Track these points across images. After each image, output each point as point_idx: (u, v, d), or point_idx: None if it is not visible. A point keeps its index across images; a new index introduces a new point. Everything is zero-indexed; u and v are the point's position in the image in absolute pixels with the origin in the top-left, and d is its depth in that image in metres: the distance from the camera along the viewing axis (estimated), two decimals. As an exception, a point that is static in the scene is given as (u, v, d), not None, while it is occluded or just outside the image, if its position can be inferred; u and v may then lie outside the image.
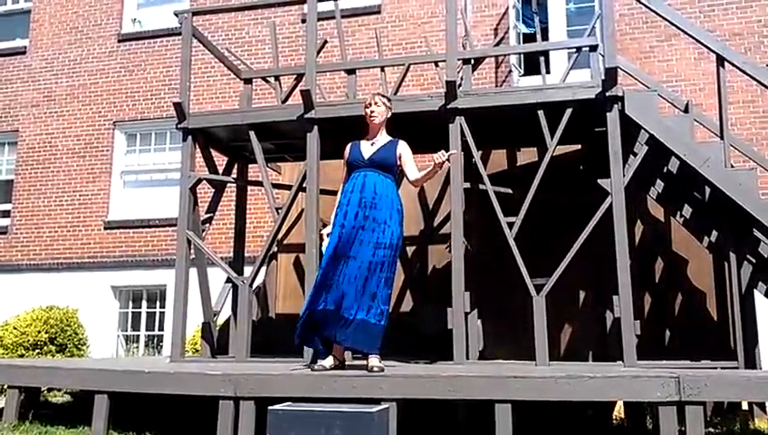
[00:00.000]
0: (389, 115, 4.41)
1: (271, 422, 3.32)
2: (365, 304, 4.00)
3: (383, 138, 4.36)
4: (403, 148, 4.33)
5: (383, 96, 4.42)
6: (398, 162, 4.28)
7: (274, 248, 6.44)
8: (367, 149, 4.31)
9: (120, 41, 10.63)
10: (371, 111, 4.32)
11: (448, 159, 4.11)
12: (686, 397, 3.38)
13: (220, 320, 6.06)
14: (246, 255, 6.20)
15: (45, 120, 10.66)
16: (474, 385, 3.61)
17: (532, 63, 8.09)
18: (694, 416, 3.39)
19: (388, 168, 4.24)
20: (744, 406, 4.56)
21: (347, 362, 4.37)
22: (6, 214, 10.65)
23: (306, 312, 4.09)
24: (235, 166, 6.14)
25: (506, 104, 4.88)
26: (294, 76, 6.33)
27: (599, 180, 4.60)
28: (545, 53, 6.39)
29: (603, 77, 4.70)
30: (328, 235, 4.21)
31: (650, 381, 3.45)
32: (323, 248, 4.22)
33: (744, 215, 4.43)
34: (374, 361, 3.97)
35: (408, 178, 4.32)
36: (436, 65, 6.61)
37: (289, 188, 5.51)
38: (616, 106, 4.61)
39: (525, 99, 4.83)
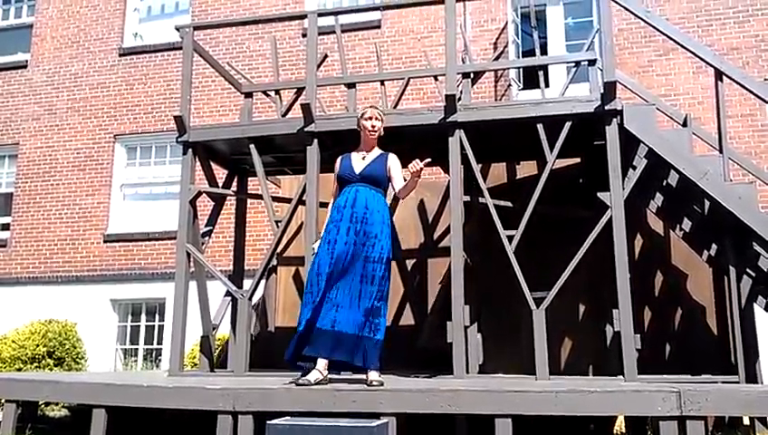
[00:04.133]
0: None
1: (269, 437, 3.30)
2: (360, 320, 3.98)
3: (375, 151, 4.35)
4: (393, 161, 4.32)
5: (379, 109, 4.42)
6: (388, 175, 4.28)
7: (274, 262, 6.43)
8: (358, 163, 4.29)
9: (121, 55, 10.69)
10: (373, 126, 4.30)
11: (422, 168, 4.09)
12: (687, 412, 3.36)
13: (219, 333, 6.04)
14: (246, 268, 6.19)
15: (46, 133, 10.70)
16: (474, 399, 3.59)
17: (532, 77, 8.13)
18: (695, 431, 3.37)
19: (378, 182, 4.24)
20: (746, 421, 4.53)
21: (346, 377, 4.35)
22: (6, 227, 10.65)
23: (301, 331, 4.05)
24: (235, 179, 6.15)
25: (506, 118, 4.89)
26: (295, 90, 6.36)
27: (598, 194, 4.61)
28: (544, 68, 6.41)
29: (602, 91, 4.72)
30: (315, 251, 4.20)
31: (651, 395, 3.43)
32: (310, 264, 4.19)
33: (743, 228, 4.42)
34: (373, 375, 3.96)
35: (394, 190, 4.30)
36: (436, 79, 6.63)
37: (289, 201, 5.51)
38: (615, 120, 4.62)
39: (525, 112, 4.84)
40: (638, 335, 4.40)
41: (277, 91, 6.19)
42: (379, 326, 4.05)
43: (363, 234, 4.08)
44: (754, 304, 4.77)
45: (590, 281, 5.20)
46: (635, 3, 5.12)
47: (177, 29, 5.62)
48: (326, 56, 6.61)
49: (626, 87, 5.68)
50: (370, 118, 4.31)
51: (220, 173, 5.96)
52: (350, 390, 3.74)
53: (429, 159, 4.11)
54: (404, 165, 4.32)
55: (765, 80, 7.95)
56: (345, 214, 4.14)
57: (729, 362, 4.82)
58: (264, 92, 6.46)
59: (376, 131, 4.31)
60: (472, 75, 5.88)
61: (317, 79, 5.35)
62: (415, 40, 9.54)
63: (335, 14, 6.24)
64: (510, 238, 4.68)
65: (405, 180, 4.24)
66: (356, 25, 9.58)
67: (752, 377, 4.54)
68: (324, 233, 4.22)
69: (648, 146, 4.62)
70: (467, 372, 4.76)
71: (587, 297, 5.52)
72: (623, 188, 4.59)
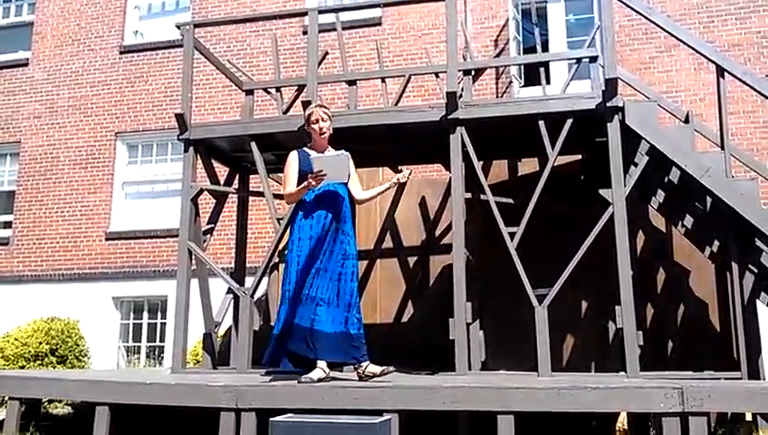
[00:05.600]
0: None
1: (272, 434, 3.31)
2: (342, 316, 4.02)
3: (332, 149, 4.31)
4: (352, 162, 4.33)
5: (326, 108, 4.35)
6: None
7: (276, 259, 6.43)
8: None
9: (121, 52, 10.68)
10: (321, 128, 4.23)
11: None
12: (689, 408, 3.36)
13: (221, 330, 6.05)
14: (248, 265, 6.20)
15: (47, 131, 10.70)
16: (476, 396, 3.60)
17: (533, 74, 8.12)
18: (697, 427, 3.37)
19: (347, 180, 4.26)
20: (748, 417, 4.54)
21: (348, 374, 4.36)
22: (8, 225, 10.66)
23: (280, 329, 4.05)
24: (237, 176, 6.15)
25: (507, 115, 4.89)
26: (296, 87, 6.35)
27: (600, 190, 4.60)
28: (545, 64, 6.41)
29: (603, 88, 4.71)
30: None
31: (653, 392, 3.43)
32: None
33: (745, 225, 4.42)
34: (370, 367, 3.98)
35: (353, 194, 4.30)
36: (437, 76, 6.63)
37: (290, 198, 5.50)
38: (616, 117, 4.62)
39: (526, 109, 4.84)
40: (641, 332, 4.40)
41: (278, 89, 6.19)
42: (360, 321, 4.12)
43: (341, 231, 4.14)
44: (757, 301, 4.76)
45: (593, 278, 5.20)
46: (636, -1, 5.10)
47: (178, 27, 5.62)
48: (327, 53, 6.60)
49: (627, 84, 5.67)
50: (317, 120, 4.24)
51: (222, 171, 5.96)
52: (352, 387, 3.75)
53: (410, 169, 4.27)
54: (400, 163, 4.34)
55: (767, 76, 7.93)
56: (329, 211, 4.14)
57: (732, 358, 4.82)
58: (265, 90, 6.45)
59: (326, 132, 4.26)
60: (473, 72, 5.88)
61: (318, 76, 5.35)
62: (415, 37, 9.52)
63: (336, 11, 6.25)
64: (512, 235, 4.68)
65: (361, 184, 4.37)
66: (357, 23, 9.56)
67: (754, 373, 4.54)
68: (301, 225, 4.17)
69: (649, 142, 4.62)
70: (470, 368, 4.77)
71: (589, 294, 5.52)
72: (625, 185, 4.58)
